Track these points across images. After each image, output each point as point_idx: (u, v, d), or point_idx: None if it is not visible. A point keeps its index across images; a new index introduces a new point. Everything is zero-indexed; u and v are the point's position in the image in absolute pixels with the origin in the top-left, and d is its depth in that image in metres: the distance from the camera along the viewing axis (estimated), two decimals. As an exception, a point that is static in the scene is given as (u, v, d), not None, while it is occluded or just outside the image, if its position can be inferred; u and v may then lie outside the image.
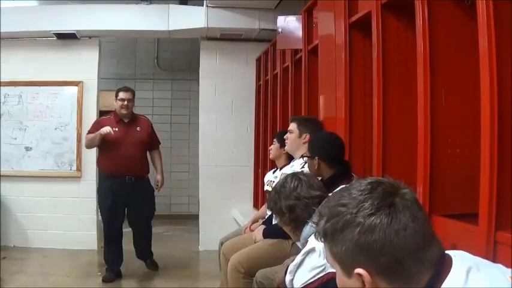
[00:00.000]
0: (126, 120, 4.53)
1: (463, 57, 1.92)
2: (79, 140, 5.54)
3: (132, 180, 4.43)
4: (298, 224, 2.07)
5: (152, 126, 4.74)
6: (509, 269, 0.97)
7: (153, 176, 4.72)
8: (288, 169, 3.20)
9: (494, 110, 1.54)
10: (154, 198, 4.67)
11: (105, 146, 4.43)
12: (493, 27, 1.56)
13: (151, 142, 4.71)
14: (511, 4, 1.58)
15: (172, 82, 7.78)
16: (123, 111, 4.50)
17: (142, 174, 4.54)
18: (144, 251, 4.72)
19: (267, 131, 5.17)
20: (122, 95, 4.51)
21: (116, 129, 4.40)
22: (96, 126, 4.50)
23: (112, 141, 4.37)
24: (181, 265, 5.04)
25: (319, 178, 2.53)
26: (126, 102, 4.48)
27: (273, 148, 3.68)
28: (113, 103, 4.56)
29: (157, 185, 4.73)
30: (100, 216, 5.59)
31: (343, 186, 1.16)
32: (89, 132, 4.58)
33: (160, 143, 4.86)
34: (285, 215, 2.09)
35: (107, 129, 4.28)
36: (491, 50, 1.56)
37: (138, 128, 4.56)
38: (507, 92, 1.54)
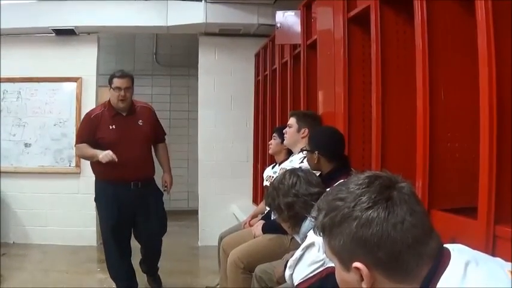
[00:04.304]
0: (124, 114, 3.66)
1: (462, 51, 1.92)
2: (78, 136, 5.54)
3: (138, 187, 3.63)
4: (297, 221, 2.07)
5: (155, 115, 3.89)
6: (509, 263, 0.97)
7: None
8: (287, 164, 3.20)
9: (493, 104, 1.54)
10: (163, 205, 3.87)
11: (101, 149, 3.54)
12: (491, 23, 1.55)
13: (156, 134, 3.87)
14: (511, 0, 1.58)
15: (171, 78, 7.78)
16: (121, 105, 3.59)
17: (149, 177, 3.76)
18: (149, 268, 4.08)
19: (266, 126, 5.17)
20: (117, 82, 3.56)
21: (113, 126, 3.60)
22: (89, 125, 3.66)
23: (110, 143, 3.54)
24: (180, 260, 5.05)
25: (318, 173, 2.53)
26: (123, 92, 3.55)
27: (273, 143, 3.68)
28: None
29: (165, 186, 3.93)
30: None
31: (342, 180, 1.15)
32: (81, 132, 3.78)
33: (166, 134, 4.06)
34: (284, 212, 2.08)
35: (109, 155, 3.44)
36: (490, 45, 1.56)
37: (140, 122, 3.70)
38: (506, 86, 1.54)
